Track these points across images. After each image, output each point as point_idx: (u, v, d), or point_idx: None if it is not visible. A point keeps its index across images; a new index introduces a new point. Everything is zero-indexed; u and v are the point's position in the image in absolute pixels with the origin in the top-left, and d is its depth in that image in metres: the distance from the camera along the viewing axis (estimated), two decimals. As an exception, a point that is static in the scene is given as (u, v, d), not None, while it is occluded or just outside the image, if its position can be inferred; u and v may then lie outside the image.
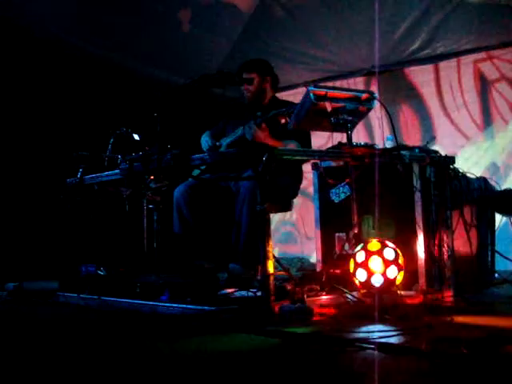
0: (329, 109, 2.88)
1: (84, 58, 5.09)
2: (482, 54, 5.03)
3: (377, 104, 2.96)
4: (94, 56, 5.09)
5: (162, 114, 3.09)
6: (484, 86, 5.07)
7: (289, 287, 2.68)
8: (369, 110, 2.97)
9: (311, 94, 2.82)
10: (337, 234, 3.28)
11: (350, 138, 2.95)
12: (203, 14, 4.68)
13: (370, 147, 2.95)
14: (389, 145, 3.26)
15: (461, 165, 3.36)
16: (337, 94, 2.90)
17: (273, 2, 4.62)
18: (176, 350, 2.05)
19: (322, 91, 2.84)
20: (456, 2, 4.43)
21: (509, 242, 4.13)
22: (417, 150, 3.02)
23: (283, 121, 3.10)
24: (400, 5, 4.54)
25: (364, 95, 2.92)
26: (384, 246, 2.71)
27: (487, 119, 5.01)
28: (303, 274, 3.50)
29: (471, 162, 4.97)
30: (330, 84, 5.23)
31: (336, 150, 2.99)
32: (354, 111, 2.92)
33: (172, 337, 2.29)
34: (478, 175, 3.41)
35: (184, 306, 2.75)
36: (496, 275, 3.48)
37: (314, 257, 5.53)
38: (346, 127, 2.94)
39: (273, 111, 3.21)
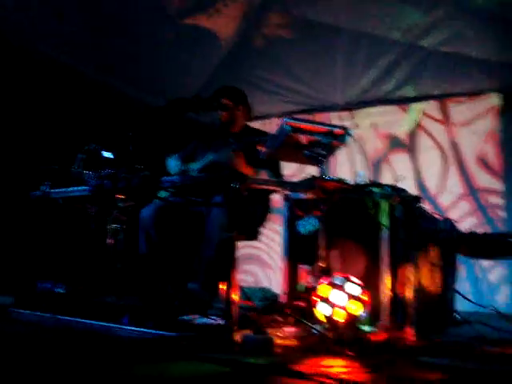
0: (303, 141, 2.90)
1: (57, 69, 5.02)
2: (451, 100, 5.24)
3: (350, 140, 2.99)
4: (69, 68, 5.04)
5: (136, 133, 3.06)
6: (451, 130, 5.26)
7: (252, 317, 2.65)
8: (342, 145, 3.01)
9: (287, 126, 2.85)
10: (302, 266, 3.27)
11: (322, 172, 2.97)
12: (184, 37, 4.71)
13: (341, 182, 2.98)
14: (359, 180, 3.30)
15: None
16: (312, 127, 2.92)
17: (255, 32, 4.70)
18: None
19: (298, 123, 2.87)
20: (429, 50, 4.62)
21: (469, 283, 4.24)
22: (387, 188, 3.06)
23: (260, 148, 3.12)
24: (376, 47, 4.70)
25: (338, 130, 2.96)
26: (348, 280, 2.73)
27: (457, 161, 5.18)
28: (266, 305, 3.47)
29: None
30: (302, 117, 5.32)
31: (308, 183, 3.01)
32: (327, 145, 2.95)
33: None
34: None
35: (143, 330, 2.68)
36: (456, 315, 3.53)
37: (278, 288, 5.51)
38: (319, 161, 2.96)
39: (250, 138, 3.21)
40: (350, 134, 2.95)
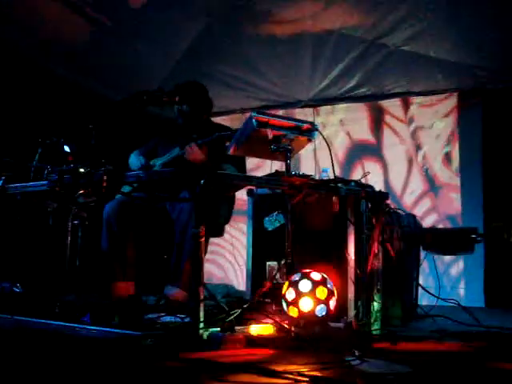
0: (270, 136, 2.88)
1: (17, 62, 4.85)
2: (412, 99, 5.34)
3: (317, 136, 2.98)
4: (28, 61, 4.88)
5: (98, 127, 2.97)
6: (414, 127, 5.36)
7: (219, 314, 2.61)
8: (309, 140, 3.00)
9: (254, 120, 2.81)
10: (268, 263, 3.26)
11: (288, 167, 2.95)
12: (148, 29, 4.62)
13: (307, 177, 2.97)
14: (324, 177, 3.30)
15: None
16: (279, 122, 2.90)
17: (219, 27, 4.65)
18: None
19: (265, 118, 2.84)
20: (391, 49, 4.68)
21: (431, 277, 4.33)
22: (353, 184, 3.07)
23: (227, 143, 3.08)
24: (340, 45, 4.72)
25: (305, 126, 2.94)
26: (305, 276, 2.71)
27: (417, 159, 5.27)
28: (231, 302, 3.43)
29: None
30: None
31: (274, 178, 2.99)
32: (294, 141, 2.93)
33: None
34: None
35: (106, 329, 2.60)
36: (418, 309, 3.60)
37: (239, 284, 5.49)
38: (285, 156, 2.94)
39: (216, 134, 3.17)
40: (316, 130, 2.94)
